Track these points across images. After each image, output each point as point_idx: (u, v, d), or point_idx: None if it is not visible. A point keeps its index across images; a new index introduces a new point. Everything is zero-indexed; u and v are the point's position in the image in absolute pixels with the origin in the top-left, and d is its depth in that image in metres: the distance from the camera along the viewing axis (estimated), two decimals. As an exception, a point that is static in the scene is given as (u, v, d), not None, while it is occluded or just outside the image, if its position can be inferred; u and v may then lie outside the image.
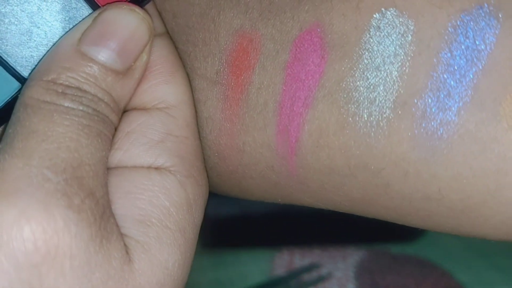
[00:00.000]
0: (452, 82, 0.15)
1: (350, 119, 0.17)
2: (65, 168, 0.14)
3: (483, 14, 0.15)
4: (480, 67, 0.15)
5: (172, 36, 0.19)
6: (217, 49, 0.18)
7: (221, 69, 0.18)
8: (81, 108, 0.15)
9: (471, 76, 0.15)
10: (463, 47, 0.15)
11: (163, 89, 0.18)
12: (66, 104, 0.15)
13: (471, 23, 0.15)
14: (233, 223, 0.53)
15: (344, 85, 0.17)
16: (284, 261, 0.54)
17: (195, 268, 0.59)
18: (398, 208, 0.18)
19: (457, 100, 0.15)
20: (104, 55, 0.16)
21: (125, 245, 0.16)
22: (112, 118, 0.17)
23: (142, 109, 0.18)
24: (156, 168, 0.17)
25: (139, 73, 0.17)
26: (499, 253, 0.57)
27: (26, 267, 0.13)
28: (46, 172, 0.14)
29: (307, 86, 0.17)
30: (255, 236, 0.55)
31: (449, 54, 0.15)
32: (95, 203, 0.15)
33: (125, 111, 0.18)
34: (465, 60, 0.15)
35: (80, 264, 0.14)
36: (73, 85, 0.16)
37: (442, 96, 0.15)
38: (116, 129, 0.17)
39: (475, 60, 0.15)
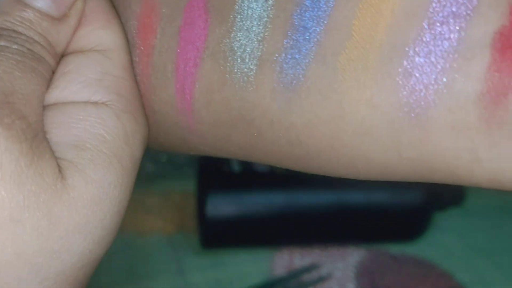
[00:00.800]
0: (302, 41, 0.17)
1: (228, 76, 0.19)
2: None
3: None
4: (323, 26, 0.17)
5: None
6: (131, 15, 0.20)
7: (134, 34, 0.20)
8: (15, 46, 0.16)
9: (316, 34, 0.17)
10: (310, 9, 0.17)
11: (100, 33, 0.19)
12: (1, 43, 0.16)
13: None
14: (233, 223, 0.53)
15: (222, 46, 0.19)
16: (284, 261, 0.54)
17: (194, 268, 0.59)
18: (272, 153, 0.19)
19: (305, 57, 0.17)
20: (39, 1, 0.17)
21: (58, 165, 0.16)
22: (48, 59, 0.18)
23: (79, 52, 0.19)
24: (93, 103, 0.18)
25: (75, 19, 0.18)
26: (499, 252, 0.57)
27: None
28: None
29: (196, 48, 0.19)
30: (255, 236, 0.55)
31: (299, 16, 0.17)
32: (27, 125, 0.16)
33: (64, 56, 0.19)
34: (312, 20, 0.17)
35: (12, 176, 0.15)
36: (8, 28, 0.17)
37: (294, 53, 0.17)
38: (54, 72, 0.18)
39: (320, 20, 0.17)
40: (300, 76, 0.17)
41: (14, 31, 0.17)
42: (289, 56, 0.18)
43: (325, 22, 0.17)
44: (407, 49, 0.16)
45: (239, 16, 0.18)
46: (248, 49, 0.18)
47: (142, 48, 0.20)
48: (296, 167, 0.20)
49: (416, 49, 0.16)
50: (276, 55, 0.18)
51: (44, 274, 0.16)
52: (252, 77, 0.18)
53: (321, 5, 0.17)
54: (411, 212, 0.55)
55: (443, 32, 0.15)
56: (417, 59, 0.16)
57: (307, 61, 0.17)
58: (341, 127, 0.17)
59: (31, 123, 0.16)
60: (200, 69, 0.19)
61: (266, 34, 0.18)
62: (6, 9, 0.17)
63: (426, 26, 0.16)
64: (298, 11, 0.17)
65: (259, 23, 0.18)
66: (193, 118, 0.20)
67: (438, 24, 0.15)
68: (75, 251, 0.17)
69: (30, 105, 0.16)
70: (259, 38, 0.18)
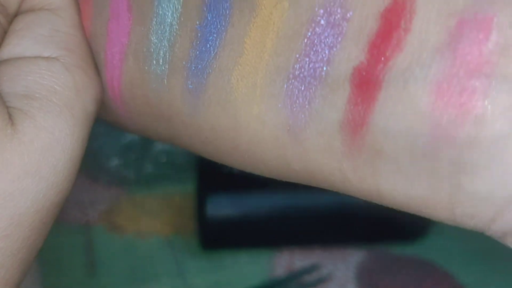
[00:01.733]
0: (204, 51, 0.18)
1: (146, 75, 0.20)
2: None
3: None
4: (221, 40, 0.18)
5: None
6: None
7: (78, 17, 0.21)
8: None
9: (216, 48, 0.18)
10: (210, 22, 0.18)
11: None
12: None
13: (214, 3, 0.18)
14: (233, 224, 0.53)
15: (141, 46, 0.20)
16: (284, 261, 0.54)
17: (194, 269, 0.59)
18: (193, 147, 0.21)
19: (206, 67, 0.18)
20: None
21: (9, 113, 0.17)
22: (0, 19, 0.18)
23: (30, 12, 0.19)
24: (44, 58, 0.18)
25: None
26: (500, 253, 0.57)
27: None
28: None
29: (121, 43, 0.20)
30: (255, 237, 0.55)
31: (202, 28, 0.18)
32: None
33: (16, 16, 0.20)
34: (212, 34, 0.18)
35: None
36: None
37: (198, 63, 0.19)
38: (6, 32, 0.19)
39: (219, 34, 0.18)
40: (202, 85, 0.19)
41: None
42: (194, 65, 0.19)
43: (223, 36, 0.18)
44: (287, 72, 0.17)
45: (155, 20, 0.19)
46: (161, 52, 0.19)
47: (81, 30, 0.21)
48: (219, 161, 0.21)
49: (296, 73, 0.17)
50: (184, 62, 0.19)
51: (2, 216, 0.17)
52: (165, 80, 0.19)
53: (220, 20, 0.18)
54: (412, 213, 0.55)
55: (315, 61, 0.17)
56: (295, 83, 0.17)
57: (208, 71, 0.18)
58: (238, 135, 0.19)
59: None
60: (124, 65, 0.20)
61: (176, 40, 0.19)
62: None
63: (303, 53, 0.17)
64: (202, 23, 0.18)
65: (170, 29, 0.19)
66: (122, 107, 0.21)
67: (312, 53, 0.17)
68: (28, 195, 0.17)
69: None
70: (170, 43, 0.19)
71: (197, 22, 0.18)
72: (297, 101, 0.17)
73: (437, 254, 0.56)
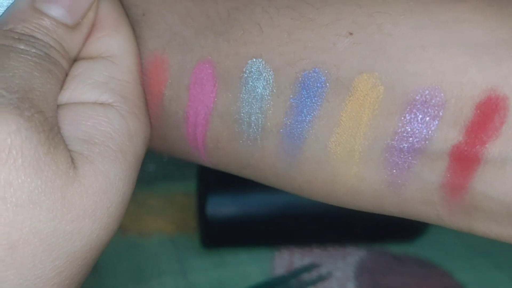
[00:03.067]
0: (300, 120, 0.20)
1: (236, 135, 0.22)
2: (18, 90, 0.17)
3: (315, 75, 0.20)
4: (316, 112, 0.20)
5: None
6: (141, 60, 0.23)
7: (144, 78, 0.23)
8: (33, 50, 0.18)
9: (311, 117, 0.20)
10: (304, 96, 0.20)
11: (107, 41, 0.21)
12: (21, 47, 0.18)
13: (308, 80, 0.20)
14: (233, 223, 0.53)
15: (230, 111, 0.21)
16: (284, 260, 0.54)
17: (195, 268, 0.59)
18: (280, 187, 0.23)
19: (302, 133, 0.20)
20: (55, 10, 0.19)
21: (71, 156, 0.18)
22: (63, 63, 0.19)
23: (89, 58, 0.20)
24: (100, 104, 0.20)
25: (87, 28, 0.20)
26: (500, 252, 0.57)
27: None
28: (1, 91, 0.16)
29: (205, 105, 0.22)
30: (255, 236, 0.55)
31: (297, 101, 0.20)
32: (44, 119, 0.18)
33: (76, 61, 0.21)
34: (306, 107, 0.20)
35: (31, 163, 0.16)
36: (27, 33, 0.18)
37: (293, 129, 0.20)
38: (67, 75, 0.20)
39: (313, 106, 0.20)
40: (299, 148, 0.21)
41: (33, 36, 0.19)
42: (289, 131, 0.20)
43: (317, 109, 0.20)
44: (386, 142, 0.19)
45: (244, 88, 0.21)
46: (253, 117, 0.21)
47: (151, 91, 0.23)
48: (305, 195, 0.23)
49: (395, 144, 0.19)
50: (278, 128, 0.21)
51: (57, 253, 0.18)
52: (259, 140, 0.21)
53: (315, 95, 0.20)
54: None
55: (413, 136, 0.19)
56: (394, 152, 0.19)
57: (304, 137, 0.20)
58: (335, 188, 0.21)
59: (47, 117, 0.18)
60: (210, 124, 0.22)
61: (268, 109, 0.21)
62: (26, 16, 0.19)
63: (400, 129, 0.19)
64: (296, 97, 0.20)
65: (262, 99, 0.21)
66: (205, 154, 0.23)
67: (410, 129, 0.19)
68: (84, 235, 0.18)
69: (47, 102, 0.18)
70: (262, 110, 0.21)
71: (291, 96, 0.20)
72: (397, 166, 0.19)
73: (436, 253, 0.56)
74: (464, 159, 0.18)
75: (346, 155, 0.20)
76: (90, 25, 0.20)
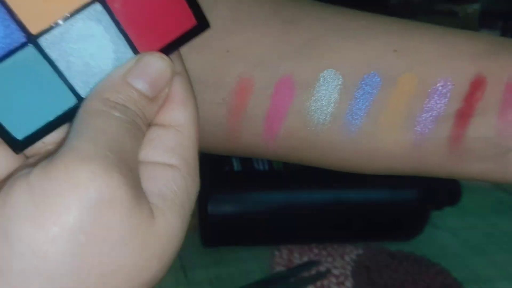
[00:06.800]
0: (358, 110, 0.29)
1: (308, 123, 0.29)
2: (117, 151, 0.21)
3: (373, 75, 0.28)
4: (369, 101, 0.28)
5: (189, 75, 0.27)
6: (223, 87, 0.30)
7: (227, 98, 0.30)
8: (125, 117, 0.22)
9: (368, 103, 0.28)
10: (365, 91, 0.28)
11: (176, 114, 0.25)
12: (116, 114, 0.22)
13: (368, 79, 0.28)
14: (233, 222, 0.54)
15: (305, 105, 0.29)
16: (283, 259, 0.55)
17: (196, 265, 0.60)
18: (332, 164, 0.31)
19: (359, 118, 0.29)
20: (141, 85, 0.24)
21: (150, 208, 0.22)
22: (143, 128, 0.23)
23: (161, 125, 0.25)
24: (169, 165, 0.24)
25: (162, 100, 0.24)
26: (494, 250, 0.58)
27: (95, 207, 0.20)
28: (107, 152, 0.21)
29: (284, 107, 0.29)
30: (255, 234, 0.56)
31: (358, 94, 0.28)
32: (134, 176, 0.22)
33: (150, 126, 0.25)
34: (364, 95, 0.28)
35: (127, 210, 0.20)
36: (120, 103, 0.23)
37: (354, 113, 0.29)
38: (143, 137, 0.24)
39: (369, 97, 0.28)
40: (358, 126, 0.29)
41: (124, 105, 0.23)
42: (350, 116, 0.29)
43: (372, 98, 0.28)
44: (417, 116, 0.28)
45: (316, 90, 0.29)
46: (324, 108, 0.29)
47: (237, 104, 0.29)
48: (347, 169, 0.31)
49: (422, 116, 0.28)
50: (342, 114, 0.29)
51: (133, 284, 0.22)
52: (327, 124, 0.29)
53: (372, 89, 0.29)
54: (409, 211, 0.56)
55: (434, 109, 0.28)
56: (421, 121, 0.28)
57: (361, 119, 0.29)
58: (379, 153, 0.29)
59: (135, 174, 0.22)
60: (286, 118, 0.29)
61: (336, 101, 0.29)
62: (119, 88, 0.23)
63: (426, 106, 0.28)
64: (359, 91, 0.28)
65: (330, 97, 0.29)
66: (274, 144, 0.30)
67: (432, 105, 0.28)
68: (149, 273, 0.22)
69: (134, 161, 0.22)
70: (331, 102, 0.29)
71: (355, 90, 0.29)
72: (423, 131, 0.28)
73: (433, 250, 0.57)
74: (463, 116, 0.28)
75: (389, 127, 0.28)
76: (164, 98, 0.24)
